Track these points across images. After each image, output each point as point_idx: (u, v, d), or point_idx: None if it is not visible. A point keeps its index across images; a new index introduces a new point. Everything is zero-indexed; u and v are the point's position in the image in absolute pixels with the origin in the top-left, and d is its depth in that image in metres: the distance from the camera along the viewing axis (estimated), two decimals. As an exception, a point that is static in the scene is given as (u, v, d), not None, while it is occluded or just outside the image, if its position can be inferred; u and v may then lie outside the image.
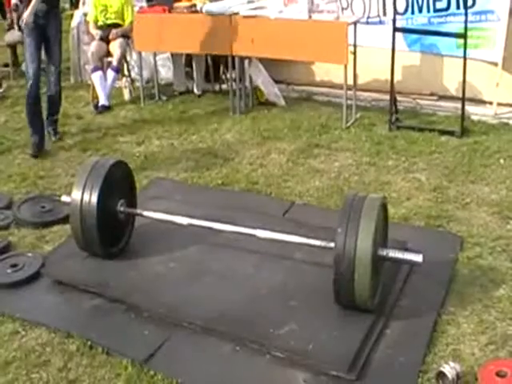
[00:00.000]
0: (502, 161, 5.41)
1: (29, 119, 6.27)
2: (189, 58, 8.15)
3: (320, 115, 6.98)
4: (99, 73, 7.67)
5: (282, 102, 7.44)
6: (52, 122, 6.62)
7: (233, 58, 7.09)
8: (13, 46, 9.46)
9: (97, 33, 7.86)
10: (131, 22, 7.71)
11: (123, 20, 7.89)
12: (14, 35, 9.22)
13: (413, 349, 3.31)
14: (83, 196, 4.01)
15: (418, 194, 5.01)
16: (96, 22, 7.94)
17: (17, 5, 6.47)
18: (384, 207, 3.61)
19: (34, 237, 4.60)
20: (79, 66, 8.99)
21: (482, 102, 6.88)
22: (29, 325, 3.63)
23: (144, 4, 8.50)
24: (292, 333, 3.39)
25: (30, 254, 4.31)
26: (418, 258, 3.49)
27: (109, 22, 7.89)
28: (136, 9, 8.08)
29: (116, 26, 7.85)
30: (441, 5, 6.85)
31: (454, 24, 6.65)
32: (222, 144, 6.33)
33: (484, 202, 4.81)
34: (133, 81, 8.30)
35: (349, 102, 6.70)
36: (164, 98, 7.94)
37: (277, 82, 7.65)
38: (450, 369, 3.03)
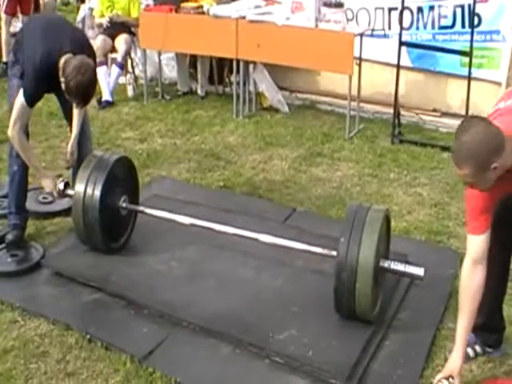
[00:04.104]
0: (502, 180, 5.41)
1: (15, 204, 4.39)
2: (193, 58, 8.13)
3: (323, 124, 6.97)
4: (104, 68, 7.65)
5: (286, 109, 7.44)
6: None
7: (237, 61, 7.09)
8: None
9: (104, 19, 7.81)
10: (137, 19, 7.71)
11: (129, 16, 7.90)
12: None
13: (411, 362, 3.31)
14: (86, 189, 4.00)
15: (419, 208, 5.01)
16: (102, 17, 7.93)
17: None
18: (387, 219, 3.60)
19: (34, 228, 4.58)
20: (83, 60, 8.94)
21: (484, 120, 6.89)
22: (28, 315, 3.63)
23: (150, 2, 8.50)
24: (292, 338, 3.38)
25: (30, 245, 4.30)
26: (419, 271, 3.48)
27: (115, 17, 7.90)
28: (142, 6, 8.08)
29: (122, 22, 7.85)
30: (446, 22, 6.87)
31: (459, 42, 6.67)
32: (225, 146, 6.32)
33: (484, 221, 4.80)
34: (136, 78, 8.29)
35: (352, 112, 6.69)
36: (167, 97, 7.92)
37: (281, 88, 7.65)
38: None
